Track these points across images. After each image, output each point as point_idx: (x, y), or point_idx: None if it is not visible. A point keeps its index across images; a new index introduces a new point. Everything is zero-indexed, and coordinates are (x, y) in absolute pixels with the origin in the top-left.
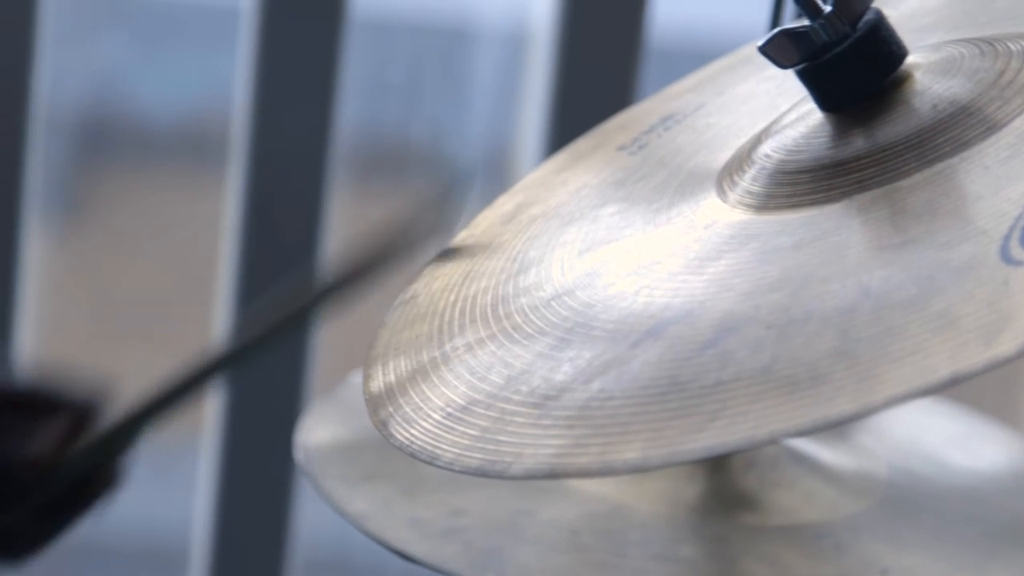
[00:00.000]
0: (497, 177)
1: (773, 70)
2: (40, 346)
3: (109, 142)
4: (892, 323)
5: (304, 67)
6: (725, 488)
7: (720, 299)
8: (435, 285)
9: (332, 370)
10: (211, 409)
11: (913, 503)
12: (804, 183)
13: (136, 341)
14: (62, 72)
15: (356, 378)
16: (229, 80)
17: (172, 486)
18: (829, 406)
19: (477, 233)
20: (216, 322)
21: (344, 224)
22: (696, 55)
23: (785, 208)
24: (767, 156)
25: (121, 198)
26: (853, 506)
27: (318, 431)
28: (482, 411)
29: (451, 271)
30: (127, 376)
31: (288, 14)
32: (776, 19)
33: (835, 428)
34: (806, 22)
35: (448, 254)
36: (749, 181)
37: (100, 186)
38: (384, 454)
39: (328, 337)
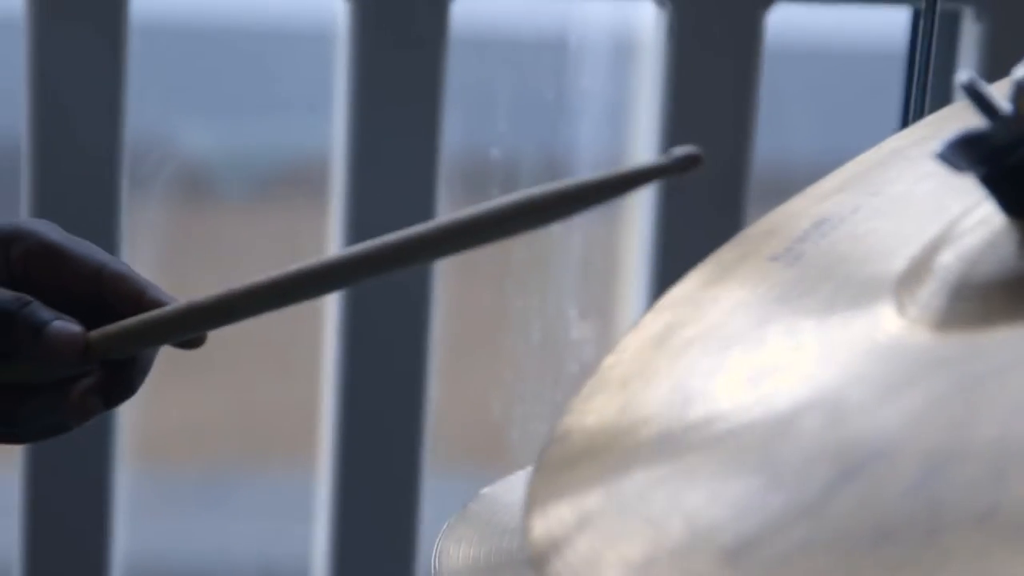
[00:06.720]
0: None
1: (930, 167)
2: None
3: (212, 189)
4: None
5: (406, 88)
6: None
7: (920, 433)
8: (589, 420)
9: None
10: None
11: None
12: (995, 298)
13: (242, 375)
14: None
15: (487, 490)
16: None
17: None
18: None
19: (626, 359)
20: (324, 359)
21: None
22: (813, 55)
23: (979, 326)
24: (948, 268)
25: (226, 235)
26: None
27: (454, 554)
28: (665, 570)
29: (603, 404)
30: (222, 406)
31: (385, 35)
32: (908, 108)
33: None
34: (985, 122)
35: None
36: (932, 296)
37: (204, 226)
38: None
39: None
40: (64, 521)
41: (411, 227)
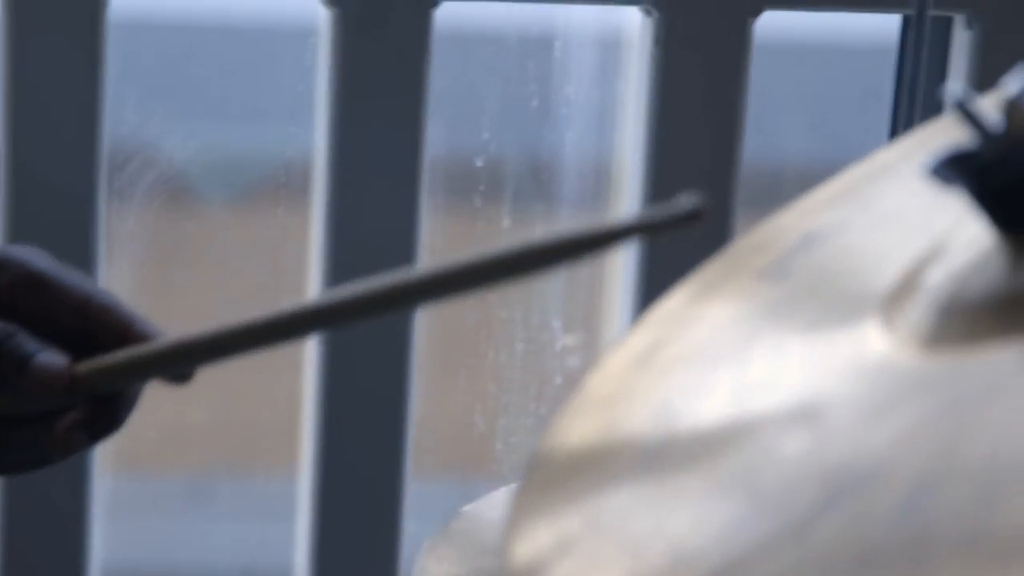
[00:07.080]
0: (595, 197)
1: (920, 182)
2: None
3: (193, 194)
4: None
5: (388, 92)
6: None
7: (907, 455)
8: (571, 440)
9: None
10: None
11: None
12: (984, 317)
13: (225, 382)
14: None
15: (468, 508)
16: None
17: None
18: None
19: (610, 377)
20: (306, 367)
21: (437, 251)
22: (802, 50)
23: (968, 346)
24: (937, 285)
25: (208, 240)
26: None
27: (435, 573)
28: None
29: (586, 424)
30: (206, 397)
31: (368, 39)
32: (898, 114)
33: None
34: (976, 139)
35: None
36: (920, 314)
37: (185, 231)
38: None
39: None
40: (43, 527)
41: (408, 272)
